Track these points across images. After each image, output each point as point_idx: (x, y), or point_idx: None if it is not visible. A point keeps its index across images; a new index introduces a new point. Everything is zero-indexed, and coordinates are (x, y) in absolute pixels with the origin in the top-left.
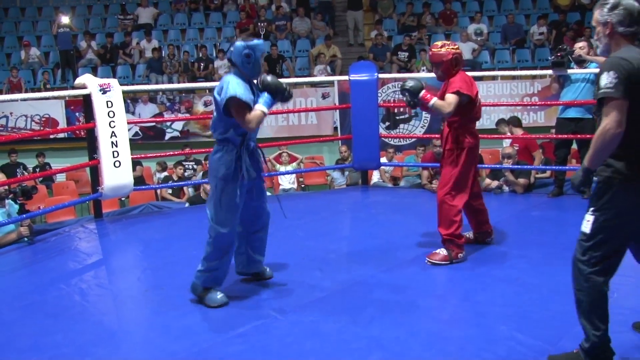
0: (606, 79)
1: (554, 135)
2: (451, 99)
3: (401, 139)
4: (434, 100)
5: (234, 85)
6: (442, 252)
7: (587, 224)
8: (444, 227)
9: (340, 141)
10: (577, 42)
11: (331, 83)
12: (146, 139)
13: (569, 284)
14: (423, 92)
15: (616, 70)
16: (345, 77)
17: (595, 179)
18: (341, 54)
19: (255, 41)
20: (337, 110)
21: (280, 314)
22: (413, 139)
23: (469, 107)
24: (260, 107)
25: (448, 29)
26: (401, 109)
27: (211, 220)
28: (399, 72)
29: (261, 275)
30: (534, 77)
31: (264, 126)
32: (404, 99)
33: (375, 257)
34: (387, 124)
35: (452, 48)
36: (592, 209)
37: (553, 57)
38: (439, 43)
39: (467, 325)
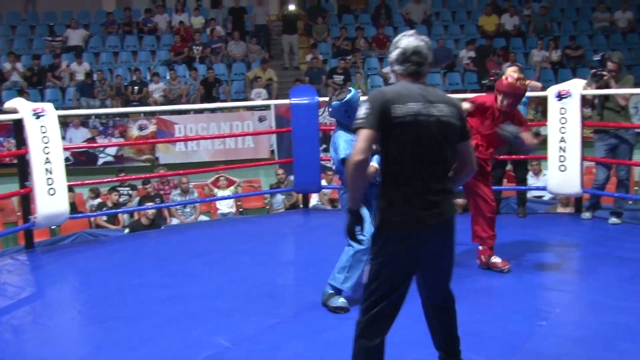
0: (360, 111)
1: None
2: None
3: None
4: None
5: (343, 145)
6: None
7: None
8: (482, 231)
9: (278, 165)
10: (509, 66)
11: (267, 106)
12: (78, 165)
13: (518, 301)
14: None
15: (370, 102)
16: (285, 101)
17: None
18: (277, 77)
19: (348, 96)
20: (274, 134)
21: (233, 344)
22: None
23: None
24: (373, 164)
25: (382, 53)
26: None
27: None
28: None
29: None
30: (465, 99)
31: (200, 150)
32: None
33: (324, 279)
34: (324, 146)
35: (524, 82)
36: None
37: (487, 81)
38: (515, 74)
39: (420, 346)
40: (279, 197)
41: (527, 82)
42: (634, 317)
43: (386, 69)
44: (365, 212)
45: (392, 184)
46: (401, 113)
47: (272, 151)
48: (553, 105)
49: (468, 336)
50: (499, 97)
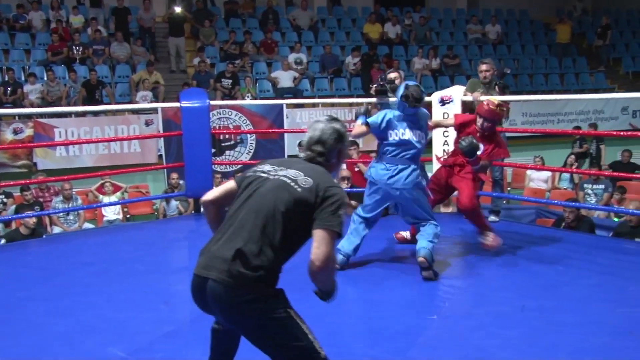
0: None
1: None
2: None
3: (227, 166)
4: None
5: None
6: (488, 236)
7: None
8: (478, 220)
9: (166, 169)
10: (390, 72)
11: (154, 110)
12: None
13: (410, 297)
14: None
15: None
16: (175, 104)
17: None
18: (164, 80)
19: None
20: (161, 138)
21: (128, 354)
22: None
23: None
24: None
25: (269, 58)
26: (227, 136)
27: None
28: (222, 99)
29: None
30: (351, 104)
31: (82, 155)
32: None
33: None
34: (214, 150)
35: (503, 109)
36: None
37: (376, 85)
38: (496, 100)
39: (323, 345)
40: (174, 203)
41: (507, 106)
42: (510, 307)
43: (274, 74)
44: None
45: None
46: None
47: (160, 155)
48: (436, 110)
49: (366, 333)
50: (479, 120)
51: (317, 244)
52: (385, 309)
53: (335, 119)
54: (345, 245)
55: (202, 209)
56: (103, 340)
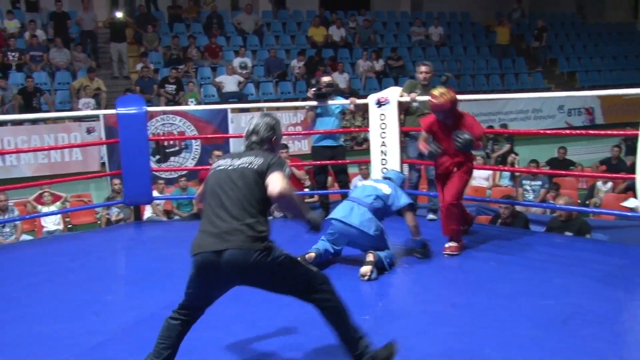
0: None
1: (312, 162)
2: (484, 138)
3: (172, 172)
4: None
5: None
6: (453, 244)
7: None
8: (455, 224)
9: (110, 176)
10: (323, 75)
11: (96, 117)
12: None
13: (344, 298)
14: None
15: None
16: (112, 111)
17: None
18: (106, 86)
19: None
20: (104, 145)
21: None
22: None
23: None
24: None
25: (214, 62)
26: (171, 142)
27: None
28: (166, 104)
29: None
30: (296, 107)
31: (20, 165)
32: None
33: (155, 293)
34: (158, 157)
35: (449, 97)
36: None
37: (315, 89)
38: (437, 92)
39: (254, 352)
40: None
41: (446, 94)
42: (441, 305)
43: (219, 78)
44: None
45: None
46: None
47: (103, 163)
48: (374, 112)
49: (296, 335)
50: (438, 117)
51: (271, 182)
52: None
53: (267, 114)
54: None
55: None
56: (32, 354)
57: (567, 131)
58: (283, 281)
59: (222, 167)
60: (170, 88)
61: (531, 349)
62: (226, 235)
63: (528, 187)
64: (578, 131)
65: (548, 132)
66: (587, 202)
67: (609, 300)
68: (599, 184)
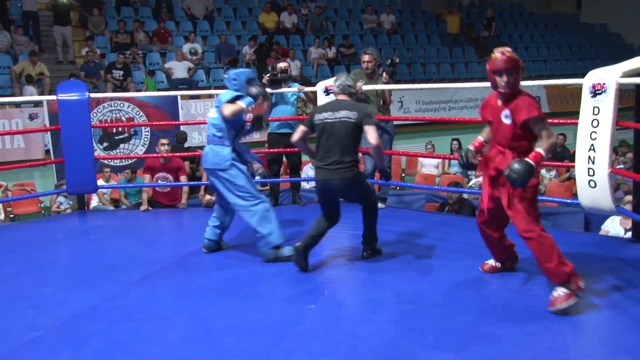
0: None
1: (268, 150)
2: (547, 129)
3: (121, 160)
4: (544, 152)
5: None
6: (562, 291)
7: None
8: (554, 261)
9: (55, 165)
10: (280, 61)
11: (39, 103)
12: None
13: (290, 289)
14: (530, 161)
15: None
16: (53, 97)
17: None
18: (49, 72)
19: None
20: (49, 132)
21: None
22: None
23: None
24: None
25: (163, 48)
26: (119, 129)
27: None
28: (114, 91)
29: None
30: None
31: None
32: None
33: (96, 285)
34: (106, 144)
35: (515, 56)
36: None
37: (269, 75)
38: (504, 49)
39: (196, 342)
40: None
41: (508, 53)
42: (388, 292)
43: (168, 64)
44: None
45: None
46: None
47: (48, 151)
48: (321, 99)
49: (241, 327)
50: (502, 78)
51: (368, 133)
52: (264, 303)
53: (345, 74)
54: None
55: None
56: None
57: None
58: (360, 193)
59: (328, 121)
60: (117, 74)
61: (471, 334)
62: (334, 169)
63: (473, 176)
64: None
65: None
66: None
67: (550, 286)
68: (543, 171)
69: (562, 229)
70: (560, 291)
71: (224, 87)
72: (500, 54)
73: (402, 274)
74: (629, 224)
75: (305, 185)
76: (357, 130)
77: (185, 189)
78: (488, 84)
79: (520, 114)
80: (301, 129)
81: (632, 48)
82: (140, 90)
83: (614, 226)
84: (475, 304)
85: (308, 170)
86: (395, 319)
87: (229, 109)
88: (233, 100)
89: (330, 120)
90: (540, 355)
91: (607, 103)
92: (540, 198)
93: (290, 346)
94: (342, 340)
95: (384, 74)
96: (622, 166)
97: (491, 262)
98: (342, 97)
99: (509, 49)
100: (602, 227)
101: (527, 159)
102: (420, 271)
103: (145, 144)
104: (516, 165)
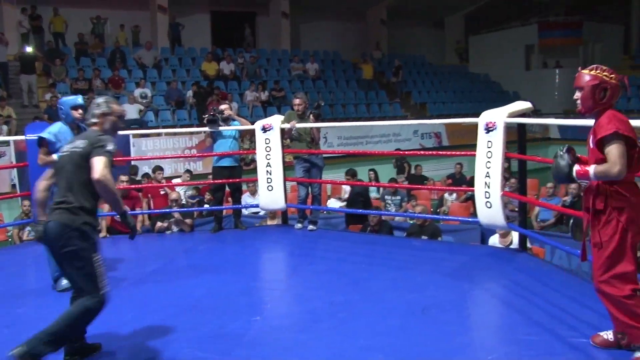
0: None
1: (212, 181)
2: (614, 151)
3: None
4: (593, 170)
5: None
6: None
7: None
8: (629, 319)
9: (21, 198)
10: (221, 104)
11: (6, 143)
12: None
13: (238, 302)
14: (576, 168)
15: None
16: (22, 137)
17: None
18: (16, 114)
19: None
20: (15, 169)
21: None
22: None
23: (629, 153)
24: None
25: (117, 92)
26: None
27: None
28: None
29: None
30: (192, 133)
31: None
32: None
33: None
34: None
35: (605, 74)
36: None
37: (207, 115)
38: (593, 66)
39: (154, 350)
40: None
41: (599, 71)
42: (321, 303)
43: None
44: None
45: None
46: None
47: (14, 185)
48: (260, 137)
49: (196, 337)
50: (576, 95)
51: (94, 166)
52: (216, 314)
53: (104, 101)
54: None
55: None
56: None
57: (421, 152)
58: (75, 258)
59: (64, 153)
60: None
61: (398, 335)
62: (53, 209)
63: (390, 201)
64: (429, 152)
65: (406, 152)
66: (438, 210)
67: (457, 290)
68: (447, 195)
69: (463, 243)
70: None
71: (172, 127)
72: (581, 69)
73: (335, 286)
74: (505, 242)
75: (245, 211)
76: (84, 163)
77: (140, 217)
78: (398, 122)
79: (599, 133)
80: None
81: (507, 94)
82: None
83: (494, 242)
84: (401, 310)
85: (246, 199)
86: (333, 326)
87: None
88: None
89: (64, 153)
90: (452, 349)
91: (498, 138)
92: (444, 217)
93: (241, 354)
94: (288, 347)
95: (311, 116)
96: (508, 189)
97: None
98: (93, 127)
99: (599, 66)
100: (488, 242)
101: (570, 163)
102: (350, 283)
103: None
104: (557, 161)
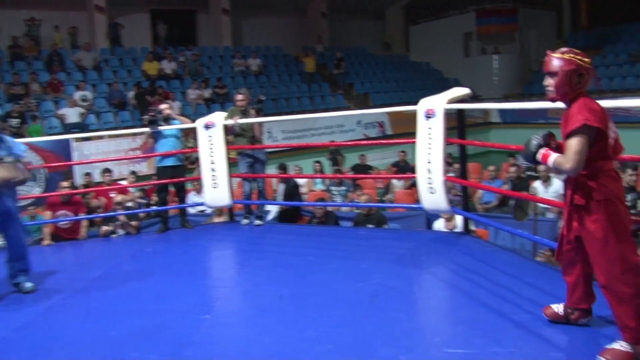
0: None
1: (158, 181)
2: (573, 146)
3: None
4: (553, 159)
5: None
6: (619, 348)
7: None
8: (629, 318)
9: None
10: (162, 104)
11: None
12: None
13: (187, 302)
14: (542, 151)
15: None
16: None
17: None
18: None
19: None
20: None
21: None
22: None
23: (600, 143)
24: None
25: (56, 96)
26: None
27: None
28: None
29: None
30: (134, 134)
31: None
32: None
33: (7, 317)
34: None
35: (579, 57)
36: None
37: (147, 116)
38: (564, 48)
39: (98, 353)
40: None
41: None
42: (270, 297)
43: (61, 111)
44: None
45: None
46: None
47: None
48: (202, 134)
49: (143, 340)
50: (546, 82)
51: None
52: (164, 316)
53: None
54: None
55: None
56: None
57: (365, 141)
58: None
59: None
60: (14, 122)
61: (347, 325)
62: None
63: (335, 192)
64: (373, 141)
65: (349, 143)
66: (383, 198)
67: (404, 277)
68: (394, 181)
69: (409, 229)
70: (616, 345)
71: (113, 129)
72: (551, 52)
73: (282, 280)
74: (451, 226)
75: (190, 210)
76: None
77: (85, 222)
78: (341, 113)
79: (568, 125)
80: None
81: (448, 81)
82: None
83: (440, 227)
84: (349, 299)
85: (192, 197)
86: (281, 319)
87: None
88: None
89: None
90: (401, 334)
91: (438, 125)
92: (389, 205)
93: (192, 355)
94: (238, 344)
95: (252, 111)
96: (452, 174)
97: None
98: None
99: (572, 49)
100: (433, 226)
101: (539, 144)
102: (297, 276)
103: (42, 185)
104: (528, 140)
